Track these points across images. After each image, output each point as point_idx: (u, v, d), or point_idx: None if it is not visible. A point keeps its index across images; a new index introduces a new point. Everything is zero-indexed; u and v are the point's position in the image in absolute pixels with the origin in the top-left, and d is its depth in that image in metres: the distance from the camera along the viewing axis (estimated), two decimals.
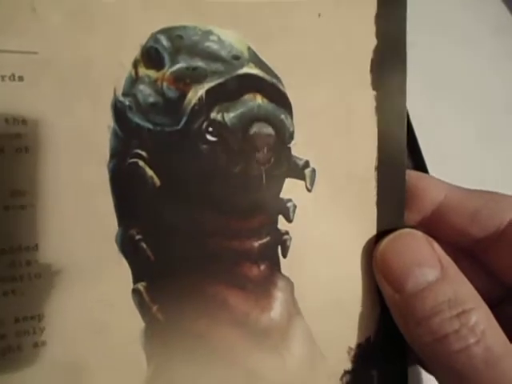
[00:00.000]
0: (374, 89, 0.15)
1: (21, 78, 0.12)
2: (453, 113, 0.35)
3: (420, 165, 0.28)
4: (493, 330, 0.13)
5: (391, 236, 0.15)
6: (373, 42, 0.15)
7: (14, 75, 0.12)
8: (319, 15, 0.14)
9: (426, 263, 0.14)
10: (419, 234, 0.15)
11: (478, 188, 0.16)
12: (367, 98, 0.15)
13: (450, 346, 0.13)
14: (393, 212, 0.15)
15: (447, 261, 0.14)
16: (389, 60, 0.15)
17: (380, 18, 0.14)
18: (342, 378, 0.15)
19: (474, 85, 0.37)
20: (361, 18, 0.14)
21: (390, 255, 0.14)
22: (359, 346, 0.15)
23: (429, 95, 0.34)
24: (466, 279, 0.14)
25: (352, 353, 0.15)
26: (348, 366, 0.15)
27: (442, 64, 0.37)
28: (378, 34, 0.14)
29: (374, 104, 0.15)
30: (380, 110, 0.15)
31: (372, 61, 0.15)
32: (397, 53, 0.15)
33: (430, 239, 0.15)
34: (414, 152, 0.29)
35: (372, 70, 0.15)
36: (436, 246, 0.14)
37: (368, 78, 0.15)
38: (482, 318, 0.13)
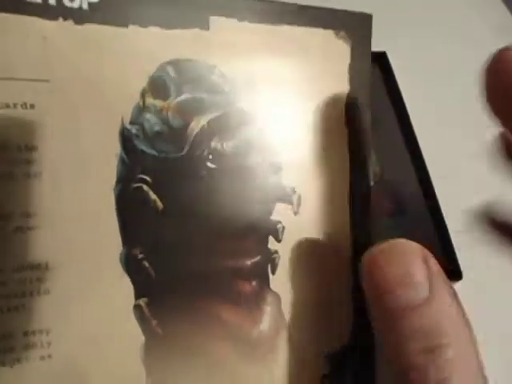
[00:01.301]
0: (346, 126, 0.17)
1: (32, 106, 0.13)
2: (453, 113, 0.36)
3: (420, 166, 0.28)
4: (464, 371, 0.11)
5: (383, 245, 0.13)
6: (346, 87, 0.17)
7: (25, 103, 0.12)
8: (306, 63, 0.16)
9: (414, 279, 0.12)
10: (414, 245, 0.13)
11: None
12: (341, 134, 0.17)
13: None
14: (362, 229, 0.17)
15: (439, 281, 0.13)
16: (358, 102, 0.17)
17: (352, 69, 0.17)
18: (321, 382, 0.17)
19: (474, 85, 0.39)
20: (338, 69, 0.17)
21: (379, 263, 0.13)
22: (335, 352, 0.17)
23: (429, 95, 0.35)
24: (452, 306, 0.12)
25: (329, 359, 0.17)
26: (326, 370, 0.17)
27: (442, 64, 0.38)
28: (351, 81, 0.17)
29: (345, 140, 0.17)
30: (350, 144, 0.17)
31: (346, 103, 0.17)
32: (364, 98, 0.17)
33: (427, 252, 0.13)
34: (414, 153, 0.29)
35: (346, 110, 0.17)
36: (433, 261, 0.13)
37: (342, 117, 0.17)
38: (455, 355, 0.11)
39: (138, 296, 0.14)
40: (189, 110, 0.14)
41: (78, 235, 0.13)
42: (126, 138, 0.14)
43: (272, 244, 0.16)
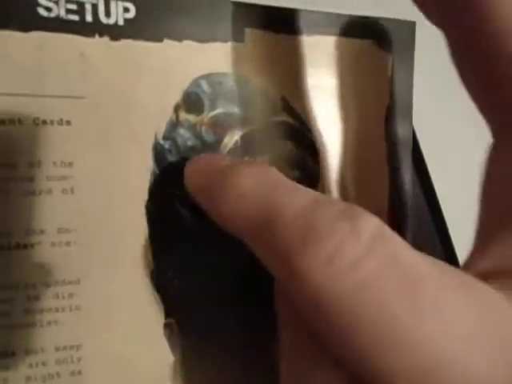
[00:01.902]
0: (385, 140, 0.16)
1: (68, 123, 0.13)
2: (451, 113, 0.35)
3: (421, 165, 0.28)
4: None
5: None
6: (387, 100, 0.16)
7: (62, 120, 0.13)
8: (344, 76, 0.15)
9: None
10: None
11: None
12: (381, 149, 0.16)
13: None
14: None
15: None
16: (398, 116, 0.16)
17: (393, 81, 0.16)
18: None
19: None
20: (378, 81, 0.16)
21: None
22: None
23: (428, 95, 0.34)
24: None
25: None
26: None
27: (442, 63, 0.38)
28: (392, 94, 0.16)
29: (385, 155, 0.16)
30: (390, 159, 0.16)
31: (386, 117, 0.16)
32: (405, 110, 0.16)
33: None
34: (414, 153, 0.29)
35: (385, 125, 0.16)
36: None
37: (382, 131, 0.16)
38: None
39: (167, 315, 0.14)
40: (222, 125, 0.14)
41: (110, 251, 0.13)
42: (158, 154, 0.14)
43: None
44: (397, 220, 0.16)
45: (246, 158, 0.14)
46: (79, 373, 0.13)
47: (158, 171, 0.14)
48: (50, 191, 0.12)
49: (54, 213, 0.13)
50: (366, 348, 0.08)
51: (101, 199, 0.13)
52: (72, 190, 0.13)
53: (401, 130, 0.16)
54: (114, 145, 0.13)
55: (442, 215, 0.25)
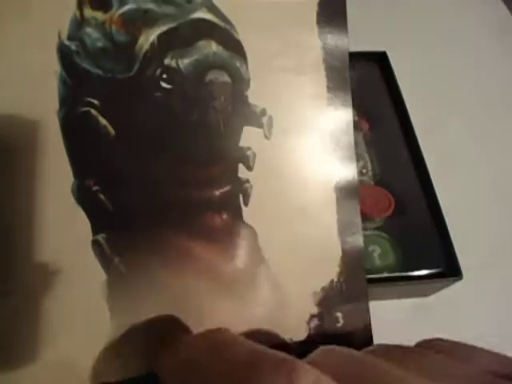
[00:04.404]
0: (320, 39, 0.15)
1: None
2: (453, 112, 0.35)
3: (420, 165, 0.28)
4: None
5: None
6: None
7: None
8: None
9: None
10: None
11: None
12: (315, 48, 0.15)
13: None
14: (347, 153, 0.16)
15: None
16: (331, 12, 0.15)
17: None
18: (308, 322, 0.16)
19: (474, 84, 0.38)
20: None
21: None
22: (323, 289, 0.16)
23: (429, 95, 0.34)
24: None
25: (317, 297, 0.16)
26: (314, 310, 0.16)
27: (443, 64, 0.38)
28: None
29: (321, 54, 0.15)
30: (326, 57, 0.15)
31: (317, 13, 0.15)
32: (338, 4, 0.15)
33: None
34: (414, 152, 0.29)
35: (318, 22, 0.15)
36: None
37: (315, 29, 0.15)
38: None
39: (96, 231, 0.13)
40: (135, 23, 0.13)
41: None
42: (64, 55, 0.12)
43: (243, 173, 0.15)
44: (339, 134, 0.16)
45: (167, 60, 0.13)
46: (8, 293, 0.12)
47: (66, 76, 0.12)
48: None
49: None
50: None
51: (9, 108, 0.12)
52: None
53: (334, 25, 0.15)
54: (12, 47, 0.12)
55: (442, 216, 0.25)
